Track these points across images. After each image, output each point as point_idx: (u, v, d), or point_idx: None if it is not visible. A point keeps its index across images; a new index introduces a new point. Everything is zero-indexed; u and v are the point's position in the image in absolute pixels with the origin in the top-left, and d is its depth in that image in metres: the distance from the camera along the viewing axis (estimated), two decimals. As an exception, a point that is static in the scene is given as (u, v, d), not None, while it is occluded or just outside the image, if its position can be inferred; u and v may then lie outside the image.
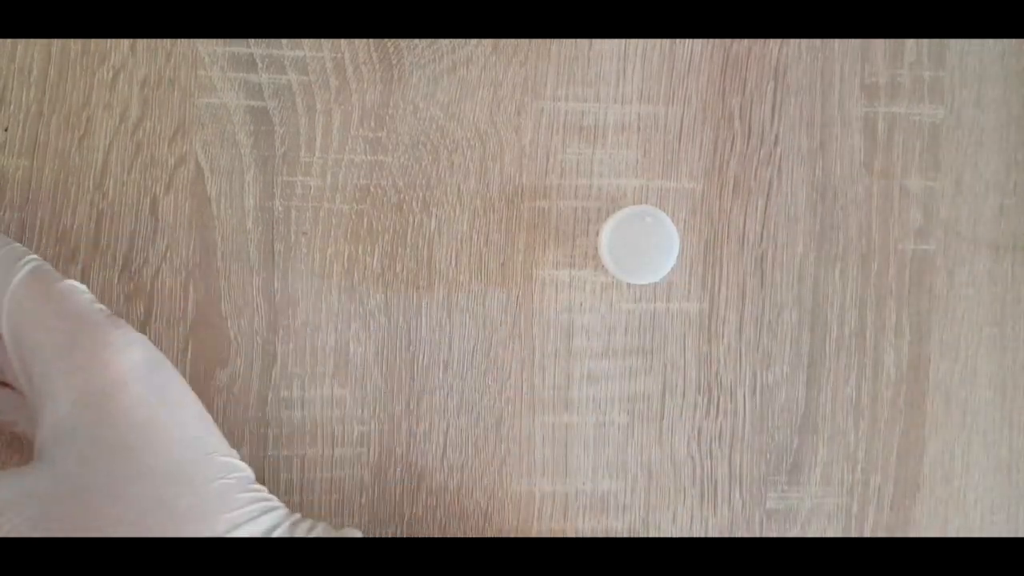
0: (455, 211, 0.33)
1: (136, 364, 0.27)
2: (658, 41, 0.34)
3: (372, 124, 0.33)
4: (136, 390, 0.26)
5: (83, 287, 0.28)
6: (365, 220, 0.33)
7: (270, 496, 0.28)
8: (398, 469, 0.33)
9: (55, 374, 0.26)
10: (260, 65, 0.32)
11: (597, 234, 0.33)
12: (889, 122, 0.35)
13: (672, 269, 0.33)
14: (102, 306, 0.28)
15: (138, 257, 0.32)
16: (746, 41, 0.34)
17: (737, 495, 0.34)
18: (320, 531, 0.29)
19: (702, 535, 0.34)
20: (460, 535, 0.33)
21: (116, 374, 0.26)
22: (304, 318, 0.33)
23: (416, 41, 0.33)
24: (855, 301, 0.35)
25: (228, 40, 0.32)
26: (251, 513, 0.27)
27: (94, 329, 0.27)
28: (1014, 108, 0.36)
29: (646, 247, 0.33)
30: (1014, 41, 0.36)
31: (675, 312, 0.34)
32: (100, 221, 0.32)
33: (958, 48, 0.35)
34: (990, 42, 0.35)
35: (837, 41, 0.35)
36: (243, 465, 0.28)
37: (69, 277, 0.31)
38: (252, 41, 0.32)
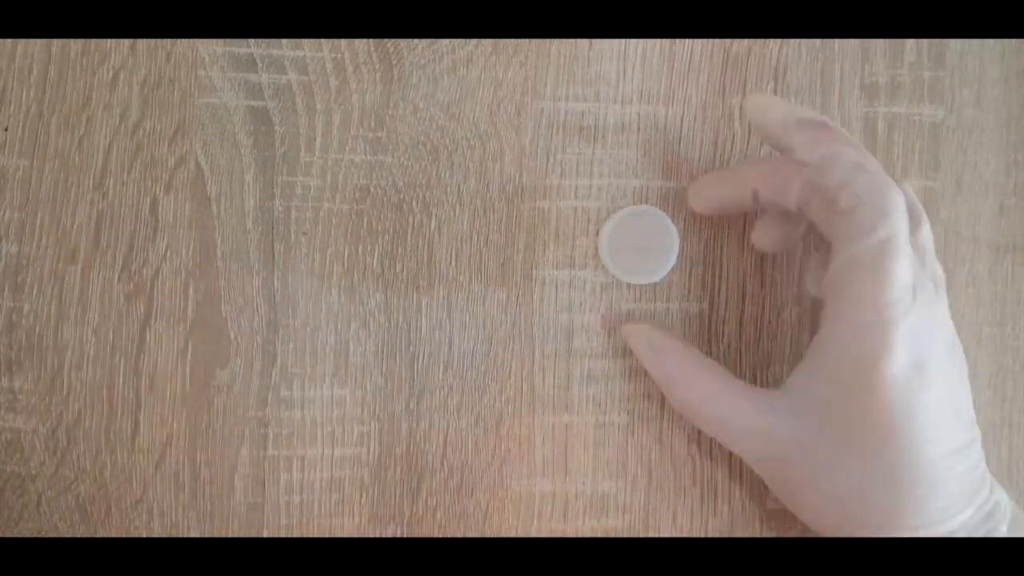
0: (455, 211, 0.33)
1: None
2: (658, 41, 0.34)
3: (372, 124, 0.33)
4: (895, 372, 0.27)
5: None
6: (365, 220, 0.33)
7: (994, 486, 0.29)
8: (398, 469, 0.33)
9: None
10: (260, 65, 0.32)
11: (597, 234, 0.33)
12: (889, 122, 0.35)
13: (672, 269, 0.33)
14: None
15: (138, 257, 0.32)
16: (746, 41, 0.34)
17: (737, 495, 0.34)
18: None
19: (702, 535, 0.34)
20: (460, 535, 0.33)
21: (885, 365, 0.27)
22: (304, 318, 0.33)
23: (416, 41, 0.33)
24: (855, 301, 0.35)
25: (228, 40, 0.32)
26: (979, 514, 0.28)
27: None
28: (1014, 108, 0.36)
29: (646, 247, 0.33)
30: (1014, 41, 0.36)
31: (675, 312, 0.34)
32: (100, 221, 0.32)
33: (958, 48, 0.35)
34: (990, 42, 0.35)
35: (837, 41, 0.35)
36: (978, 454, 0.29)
37: (69, 277, 0.31)
38: (252, 41, 0.32)
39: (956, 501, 0.28)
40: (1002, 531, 0.28)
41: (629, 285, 0.34)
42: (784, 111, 0.29)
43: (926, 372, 0.27)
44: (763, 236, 0.32)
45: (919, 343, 0.27)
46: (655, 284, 0.34)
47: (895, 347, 0.26)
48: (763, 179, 0.30)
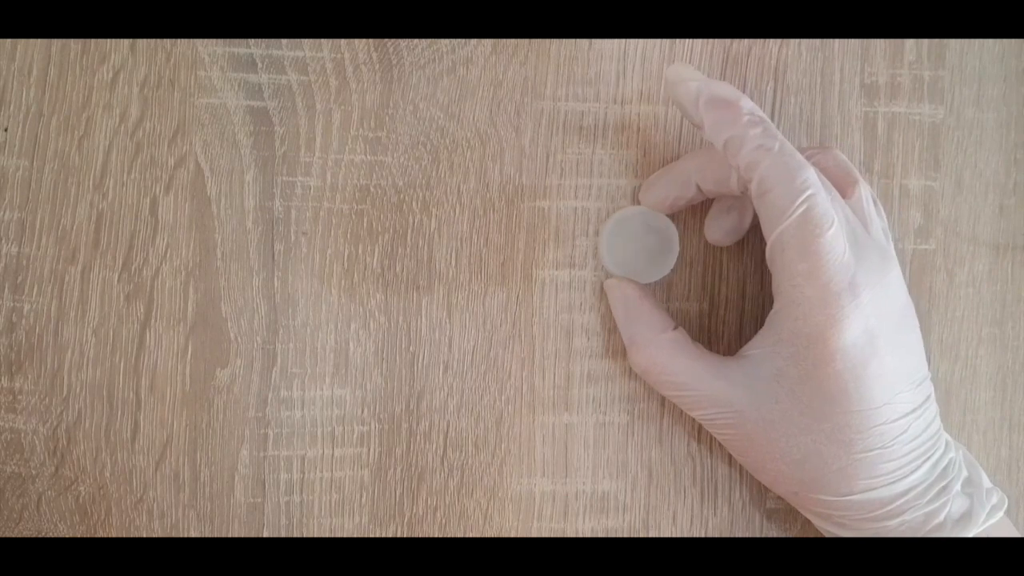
0: (455, 211, 0.33)
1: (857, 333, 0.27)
2: (658, 41, 0.34)
3: (372, 124, 0.33)
4: (850, 338, 0.27)
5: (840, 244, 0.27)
6: (365, 220, 0.33)
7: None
8: (398, 469, 0.33)
9: (795, 306, 0.28)
10: (260, 65, 0.32)
11: (597, 234, 0.33)
12: (889, 122, 0.35)
13: (672, 269, 0.33)
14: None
15: (138, 257, 0.32)
16: (746, 41, 0.34)
17: (737, 495, 0.34)
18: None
19: (702, 535, 0.34)
20: (460, 535, 0.33)
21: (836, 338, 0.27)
22: (304, 318, 0.33)
23: (416, 41, 0.33)
24: (855, 301, 0.35)
25: (228, 40, 0.32)
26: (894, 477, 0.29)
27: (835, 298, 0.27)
28: (1014, 108, 0.36)
29: (646, 247, 0.33)
30: (1014, 41, 0.36)
31: (675, 312, 0.34)
32: (100, 221, 0.32)
33: (958, 48, 0.35)
34: (990, 42, 0.35)
35: (837, 41, 0.35)
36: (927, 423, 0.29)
37: (69, 277, 0.31)
38: (252, 41, 0.32)
39: (910, 462, 0.29)
40: (956, 489, 0.29)
41: (629, 285, 0.34)
42: (697, 87, 0.28)
43: (876, 342, 0.28)
44: (713, 229, 0.33)
45: (867, 313, 0.27)
46: (655, 284, 0.34)
47: (842, 321, 0.27)
48: (702, 172, 0.30)
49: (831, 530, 0.31)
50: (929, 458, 0.29)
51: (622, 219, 0.33)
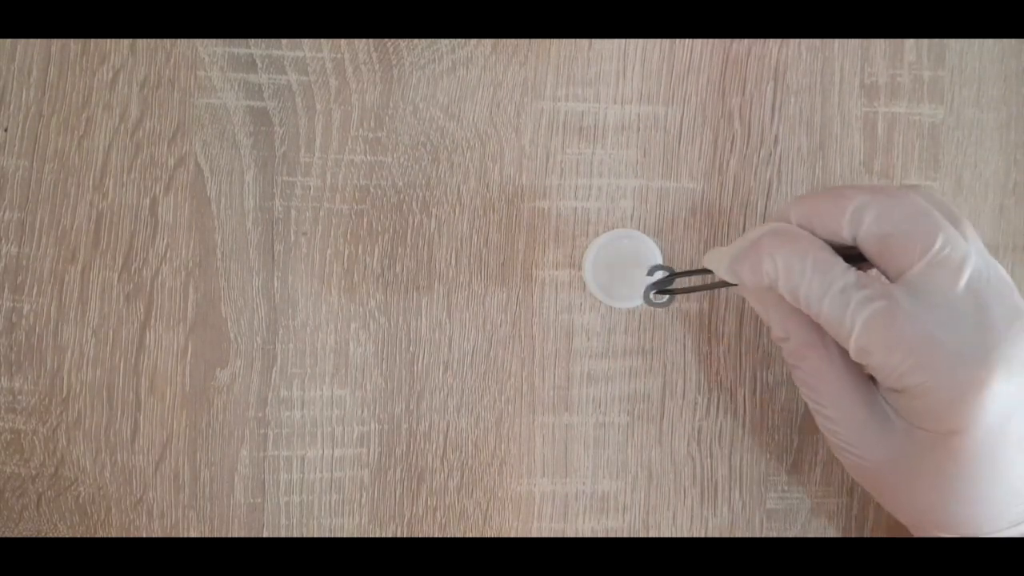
0: (455, 211, 0.33)
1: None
2: (658, 41, 0.34)
3: (372, 124, 0.33)
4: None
5: None
6: (365, 220, 0.33)
7: None
8: (398, 469, 0.33)
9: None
10: (260, 65, 0.32)
11: (580, 268, 0.33)
12: (889, 122, 0.35)
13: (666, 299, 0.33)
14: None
15: (138, 257, 0.32)
16: (746, 41, 0.34)
17: (737, 495, 0.34)
18: None
19: (702, 535, 0.34)
20: (460, 535, 0.33)
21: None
22: (304, 318, 0.33)
23: (416, 41, 0.33)
24: (855, 301, 0.35)
25: (228, 40, 0.32)
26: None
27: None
28: (1014, 108, 0.36)
29: (630, 270, 0.32)
30: (1014, 41, 0.36)
31: (675, 312, 0.34)
32: (100, 221, 0.32)
33: (958, 48, 0.35)
34: (990, 42, 0.35)
35: (837, 41, 0.35)
36: None
37: (69, 277, 0.31)
38: (252, 41, 0.32)
39: None
40: None
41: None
42: (727, 260, 0.28)
43: (1014, 405, 0.26)
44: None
45: (1006, 385, 0.25)
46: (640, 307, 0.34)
47: (983, 396, 0.25)
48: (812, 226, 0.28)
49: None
50: None
51: (606, 243, 0.32)
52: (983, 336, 0.25)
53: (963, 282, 0.25)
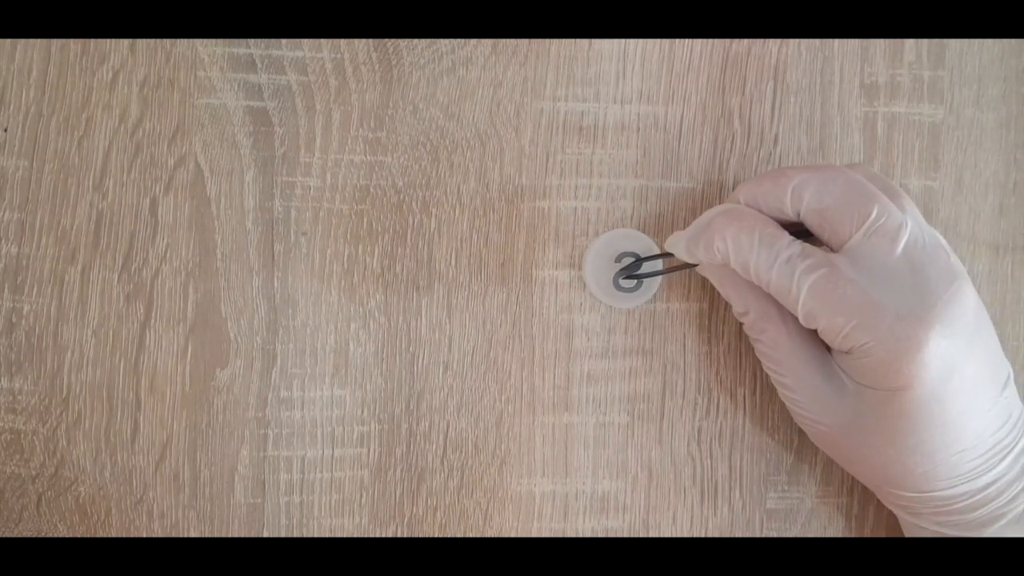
0: (455, 211, 0.33)
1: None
2: (658, 41, 0.34)
3: (372, 124, 0.33)
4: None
5: None
6: (365, 220, 0.33)
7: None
8: (398, 469, 0.33)
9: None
10: (260, 65, 0.32)
11: (580, 268, 0.33)
12: (889, 122, 0.35)
13: (655, 295, 0.33)
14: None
15: (138, 257, 0.32)
16: (746, 41, 0.34)
17: (737, 495, 0.34)
18: None
19: (702, 535, 0.34)
20: (460, 535, 0.33)
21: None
22: (304, 318, 0.33)
23: (416, 41, 0.33)
24: (855, 301, 0.35)
25: (228, 40, 0.32)
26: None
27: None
28: (1014, 108, 0.36)
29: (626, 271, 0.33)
30: (1014, 41, 0.36)
31: (675, 312, 0.34)
32: (100, 221, 0.32)
33: (958, 48, 0.35)
34: (990, 42, 0.35)
35: (837, 41, 0.35)
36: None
37: (69, 277, 0.31)
38: (252, 41, 0.32)
39: (991, 457, 0.28)
40: None
41: (629, 285, 0.34)
42: (684, 242, 0.30)
43: (953, 358, 0.27)
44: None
45: (941, 333, 0.27)
46: (642, 305, 0.34)
47: (918, 350, 0.27)
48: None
49: (909, 519, 0.31)
50: (1011, 451, 0.29)
51: (605, 243, 0.33)
52: (921, 297, 0.27)
53: (900, 248, 0.27)
